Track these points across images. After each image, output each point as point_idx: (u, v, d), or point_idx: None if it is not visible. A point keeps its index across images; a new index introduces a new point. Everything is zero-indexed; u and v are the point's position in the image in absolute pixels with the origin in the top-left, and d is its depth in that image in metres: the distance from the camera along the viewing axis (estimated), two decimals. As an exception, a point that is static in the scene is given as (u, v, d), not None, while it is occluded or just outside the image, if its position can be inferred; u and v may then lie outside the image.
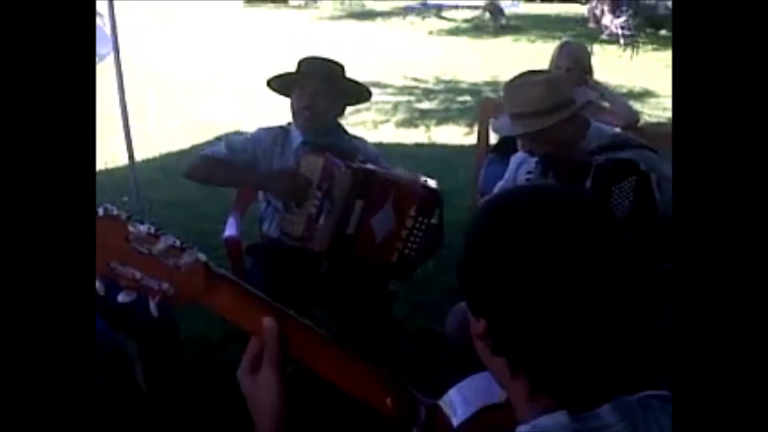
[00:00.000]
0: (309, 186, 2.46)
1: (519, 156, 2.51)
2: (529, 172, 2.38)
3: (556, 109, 2.20)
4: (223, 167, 2.64)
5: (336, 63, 2.69)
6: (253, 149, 2.65)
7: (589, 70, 3.40)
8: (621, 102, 3.50)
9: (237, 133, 5.63)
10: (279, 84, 2.68)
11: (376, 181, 2.43)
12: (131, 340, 2.29)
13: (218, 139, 6.51)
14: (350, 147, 2.71)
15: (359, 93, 2.76)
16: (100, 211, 0.86)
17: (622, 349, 0.83)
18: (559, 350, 0.81)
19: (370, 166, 2.48)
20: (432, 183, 2.49)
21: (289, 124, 2.72)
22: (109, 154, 5.77)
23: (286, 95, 2.69)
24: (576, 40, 4.38)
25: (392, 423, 1.01)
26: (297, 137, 2.67)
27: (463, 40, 13.66)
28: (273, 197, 2.66)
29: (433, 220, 2.43)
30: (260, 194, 2.80)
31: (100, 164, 5.77)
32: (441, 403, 1.03)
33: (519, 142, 2.54)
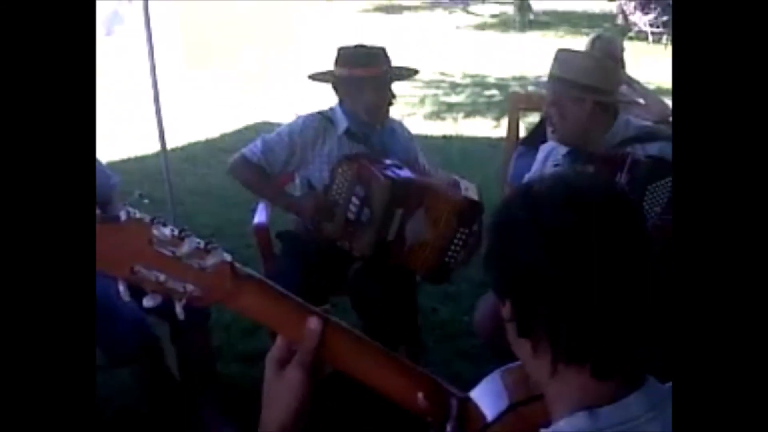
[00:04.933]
0: (335, 205, 2.48)
1: (547, 146, 2.48)
2: (556, 165, 2.35)
3: (595, 91, 2.18)
4: (257, 176, 2.59)
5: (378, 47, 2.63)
6: (290, 142, 2.57)
7: (621, 65, 3.37)
8: (654, 97, 3.47)
9: (267, 124, 5.65)
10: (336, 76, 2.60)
11: (412, 189, 2.42)
12: (164, 320, 2.31)
13: (246, 128, 6.60)
14: (386, 136, 2.69)
15: (405, 72, 2.71)
16: (123, 215, 0.82)
17: (643, 322, 0.86)
18: (580, 324, 0.84)
19: (405, 173, 2.46)
20: (473, 193, 2.47)
21: (330, 109, 2.65)
22: (138, 143, 5.83)
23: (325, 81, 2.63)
24: (608, 34, 4.33)
25: (425, 418, 0.99)
26: (341, 124, 2.60)
27: (491, 35, 13.55)
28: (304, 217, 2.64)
29: (474, 227, 2.40)
30: (296, 181, 2.77)
31: (130, 153, 5.84)
32: (473, 395, 1.01)
33: (548, 130, 2.52)
